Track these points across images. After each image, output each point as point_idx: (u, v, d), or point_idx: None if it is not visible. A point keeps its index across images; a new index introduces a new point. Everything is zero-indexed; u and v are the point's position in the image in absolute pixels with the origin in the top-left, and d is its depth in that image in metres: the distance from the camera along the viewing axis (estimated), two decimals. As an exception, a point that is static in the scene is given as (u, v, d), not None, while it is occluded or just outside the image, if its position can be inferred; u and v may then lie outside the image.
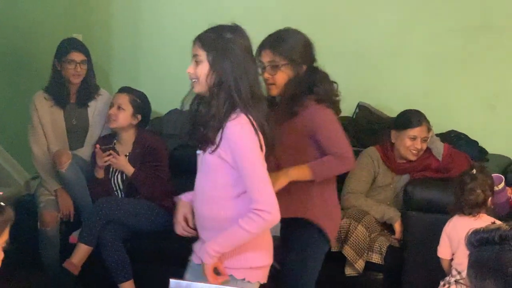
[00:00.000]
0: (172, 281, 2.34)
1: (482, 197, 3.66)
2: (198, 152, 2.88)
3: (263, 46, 3.34)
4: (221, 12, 5.33)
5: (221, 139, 2.76)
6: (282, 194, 3.00)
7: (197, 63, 2.84)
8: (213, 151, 2.78)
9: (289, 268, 3.44)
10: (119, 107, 4.48)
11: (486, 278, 1.70)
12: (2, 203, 1.93)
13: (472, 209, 3.67)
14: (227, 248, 2.80)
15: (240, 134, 2.75)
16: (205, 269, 2.80)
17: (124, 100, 4.51)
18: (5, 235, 1.95)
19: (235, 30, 2.88)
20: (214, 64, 2.80)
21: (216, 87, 2.79)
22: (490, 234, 1.71)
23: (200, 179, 2.89)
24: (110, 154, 4.43)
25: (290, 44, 3.33)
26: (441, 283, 3.79)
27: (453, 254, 3.75)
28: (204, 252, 2.81)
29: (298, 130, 3.30)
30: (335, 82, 3.46)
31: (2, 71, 5.64)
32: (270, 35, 3.39)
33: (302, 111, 3.28)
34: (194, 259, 2.99)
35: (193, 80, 2.85)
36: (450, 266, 3.77)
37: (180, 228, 3.04)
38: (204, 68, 2.82)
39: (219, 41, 2.84)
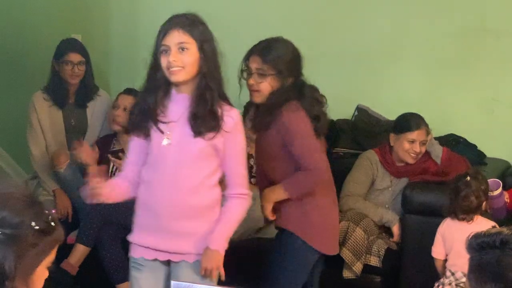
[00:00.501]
0: (173, 283, 2.33)
1: (476, 203, 3.71)
2: (166, 142, 2.88)
3: (252, 52, 3.35)
4: (219, 14, 5.34)
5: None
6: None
7: (183, 50, 2.84)
8: (211, 138, 2.86)
9: (269, 268, 3.51)
10: (125, 109, 4.44)
11: (487, 282, 1.70)
12: (53, 223, 1.88)
13: (466, 214, 3.71)
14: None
15: None
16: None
17: (130, 102, 4.46)
18: (53, 255, 1.90)
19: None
20: (207, 53, 2.87)
21: (208, 76, 2.87)
22: (491, 238, 1.72)
23: (177, 168, 2.89)
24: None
25: (279, 55, 3.33)
26: (436, 284, 3.81)
27: (447, 255, 3.77)
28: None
29: (274, 140, 3.33)
30: (324, 96, 3.48)
31: (0, 71, 5.63)
32: (260, 42, 3.39)
33: (276, 122, 3.29)
34: (159, 256, 2.98)
35: (176, 69, 2.84)
36: (444, 267, 3.79)
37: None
38: (192, 56, 2.84)
39: (205, 30, 2.91)
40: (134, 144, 3.03)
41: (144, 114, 2.94)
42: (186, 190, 2.90)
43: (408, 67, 4.98)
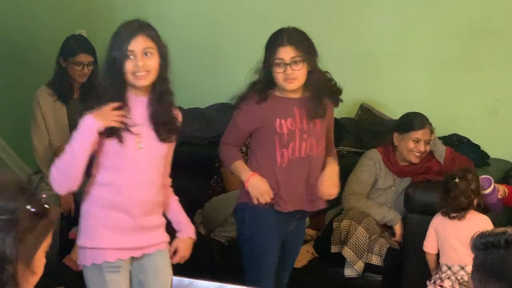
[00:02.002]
0: (175, 278, 2.32)
1: (466, 203, 3.79)
2: (140, 146, 2.96)
3: (281, 42, 3.39)
4: (224, 12, 5.35)
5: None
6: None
7: (147, 55, 2.92)
8: (173, 141, 3.08)
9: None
10: None
11: (490, 281, 1.70)
12: (46, 205, 1.92)
13: (457, 213, 3.80)
14: None
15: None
16: None
17: None
18: (49, 239, 1.95)
19: None
20: (165, 57, 2.98)
21: (166, 80, 2.98)
22: (495, 238, 1.72)
23: (147, 171, 3.01)
24: None
25: (307, 41, 3.44)
26: (429, 283, 3.83)
27: (438, 250, 3.85)
28: None
29: (323, 126, 3.51)
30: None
31: (5, 66, 5.63)
32: (281, 33, 3.43)
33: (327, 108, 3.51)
34: (134, 254, 3.04)
35: (143, 73, 2.91)
36: (436, 262, 3.87)
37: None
38: (156, 61, 2.94)
39: (159, 36, 3.01)
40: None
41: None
42: (154, 188, 3.05)
43: (412, 66, 4.98)
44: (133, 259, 3.07)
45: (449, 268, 3.79)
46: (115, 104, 2.91)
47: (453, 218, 3.80)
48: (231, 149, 3.54)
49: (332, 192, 3.51)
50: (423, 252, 3.96)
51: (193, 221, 4.60)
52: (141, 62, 2.90)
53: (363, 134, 4.89)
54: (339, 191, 3.60)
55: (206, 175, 4.76)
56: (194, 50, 5.36)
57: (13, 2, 5.58)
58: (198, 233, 4.49)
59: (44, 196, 1.93)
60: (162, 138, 3.01)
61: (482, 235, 1.74)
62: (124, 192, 2.97)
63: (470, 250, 1.77)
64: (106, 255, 2.98)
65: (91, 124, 2.87)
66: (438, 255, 3.90)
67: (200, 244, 4.39)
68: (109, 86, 2.95)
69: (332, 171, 3.52)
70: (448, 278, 3.78)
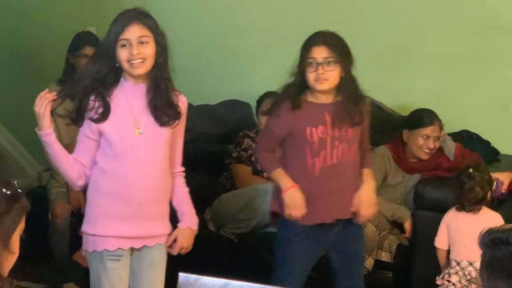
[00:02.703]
0: (181, 275, 2.33)
1: (481, 194, 3.80)
2: (138, 132, 2.98)
3: (316, 42, 3.37)
4: (235, 6, 5.34)
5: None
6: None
7: (143, 44, 2.93)
8: (174, 125, 3.05)
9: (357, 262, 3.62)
10: None
11: (499, 278, 1.69)
12: (19, 190, 2.01)
13: (473, 206, 3.80)
14: None
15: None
16: None
17: None
18: (22, 223, 2.03)
19: None
20: (162, 45, 2.99)
21: (162, 68, 2.99)
22: (504, 234, 1.71)
23: (148, 158, 3.00)
24: None
25: (341, 43, 3.42)
26: (438, 278, 3.83)
27: (449, 246, 3.85)
28: None
29: (356, 132, 3.47)
30: None
31: (14, 64, 5.66)
32: (317, 34, 3.41)
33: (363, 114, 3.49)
34: (134, 244, 3.04)
35: (138, 62, 2.93)
36: (447, 258, 3.87)
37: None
38: (152, 49, 2.95)
39: (157, 24, 3.02)
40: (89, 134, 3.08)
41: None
42: (157, 174, 3.04)
43: (422, 63, 4.97)
44: (133, 249, 3.08)
45: (458, 263, 3.80)
46: (43, 93, 2.94)
47: (470, 211, 3.79)
48: (269, 155, 3.49)
49: (370, 213, 3.47)
50: (433, 249, 3.96)
51: (202, 218, 4.66)
52: (136, 50, 2.91)
53: (372, 131, 4.86)
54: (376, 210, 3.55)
55: (216, 172, 4.77)
56: (203, 47, 5.37)
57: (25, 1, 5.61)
58: (207, 229, 4.54)
59: (16, 182, 2.04)
60: (162, 123, 3.02)
61: (490, 232, 1.74)
62: (125, 179, 2.99)
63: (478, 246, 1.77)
64: (107, 243, 3.01)
65: (41, 137, 2.97)
66: (449, 251, 3.90)
67: (210, 241, 4.42)
68: (95, 75, 2.96)
69: (369, 189, 3.46)
70: (456, 273, 3.78)
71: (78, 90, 3.00)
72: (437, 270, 3.95)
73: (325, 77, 3.33)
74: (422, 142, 4.30)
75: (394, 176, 4.39)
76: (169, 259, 3.18)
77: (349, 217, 3.46)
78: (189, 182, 4.67)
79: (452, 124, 4.66)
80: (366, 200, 3.43)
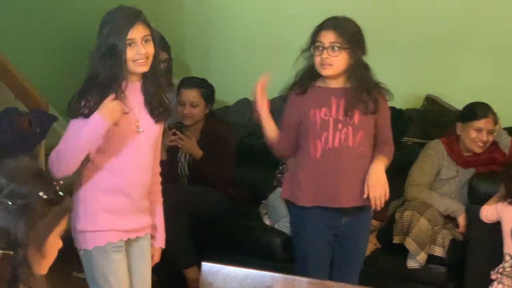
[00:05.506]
0: (205, 264, 2.36)
1: None
2: (140, 129, 3.06)
3: (325, 26, 3.37)
4: (292, 5, 5.39)
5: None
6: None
7: (146, 42, 3.00)
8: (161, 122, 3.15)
9: (356, 249, 3.61)
10: (191, 105, 4.52)
11: None
12: (61, 193, 1.98)
13: None
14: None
15: None
16: None
17: (196, 95, 4.53)
18: (63, 224, 2.00)
19: None
20: (156, 43, 3.04)
21: (156, 64, 3.06)
22: None
23: (146, 154, 3.10)
24: (175, 134, 4.46)
25: (352, 30, 3.38)
26: (493, 273, 3.82)
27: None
28: None
29: (372, 121, 3.44)
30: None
31: (69, 56, 5.73)
32: (330, 18, 3.41)
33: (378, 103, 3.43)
34: (131, 236, 3.12)
35: (143, 60, 3.00)
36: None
37: None
38: (152, 47, 3.03)
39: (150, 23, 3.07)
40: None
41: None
42: (150, 169, 3.15)
43: (478, 55, 4.92)
44: (125, 243, 3.15)
45: (512, 257, 3.78)
46: (113, 96, 2.96)
47: None
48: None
49: (380, 194, 3.35)
50: (488, 244, 3.93)
51: (258, 212, 4.71)
52: (143, 50, 2.98)
53: (428, 125, 4.86)
54: (388, 191, 3.39)
55: (271, 166, 4.80)
56: (259, 43, 5.43)
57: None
58: (261, 223, 4.60)
59: (61, 183, 2.00)
60: (157, 120, 3.12)
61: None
62: (125, 175, 3.06)
63: None
64: (109, 236, 3.07)
65: (99, 125, 2.93)
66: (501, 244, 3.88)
67: (264, 234, 4.48)
68: (109, 74, 2.98)
69: (377, 169, 3.37)
70: (511, 267, 3.76)
71: (97, 88, 3.01)
72: (492, 264, 3.90)
73: (329, 62, 3.33)
74: (475, 135, 4.27)
75: (447, 170, 4.37)
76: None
77: (357, 204, 3.43)
78: (245, 176, 4.77)
79: (509, 118, 4.60)
80: (373, 180, 3.36)
